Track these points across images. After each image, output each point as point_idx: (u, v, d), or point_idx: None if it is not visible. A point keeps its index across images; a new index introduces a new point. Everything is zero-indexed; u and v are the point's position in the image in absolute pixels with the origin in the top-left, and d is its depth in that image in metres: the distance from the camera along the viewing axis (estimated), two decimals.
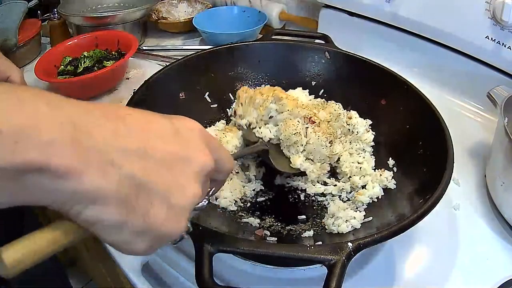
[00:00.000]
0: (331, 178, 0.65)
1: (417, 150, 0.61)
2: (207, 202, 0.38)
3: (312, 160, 0.63)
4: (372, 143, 0.69)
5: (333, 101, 0.75)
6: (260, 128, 0.65)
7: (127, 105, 0.61)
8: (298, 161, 0.62)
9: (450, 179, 0.51)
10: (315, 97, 0.77)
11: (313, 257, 0.41)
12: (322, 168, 0.63)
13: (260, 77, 0.79)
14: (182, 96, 0.72)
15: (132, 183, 0.30)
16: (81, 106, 0.30)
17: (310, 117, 0.64)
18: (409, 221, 0.45)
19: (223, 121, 0.74)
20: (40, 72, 0.85)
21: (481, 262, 0.57)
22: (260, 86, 0.78)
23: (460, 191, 0.67)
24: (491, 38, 0.75)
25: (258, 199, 0.61)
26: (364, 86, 0.73)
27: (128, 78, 0.98)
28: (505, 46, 0.74)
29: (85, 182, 0.27)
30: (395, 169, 0.64)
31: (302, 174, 0.63)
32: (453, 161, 0.53)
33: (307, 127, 0.63)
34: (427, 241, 0.59)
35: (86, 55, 0.94)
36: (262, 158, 0.65)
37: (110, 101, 0.90)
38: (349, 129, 0.69)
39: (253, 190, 0.62)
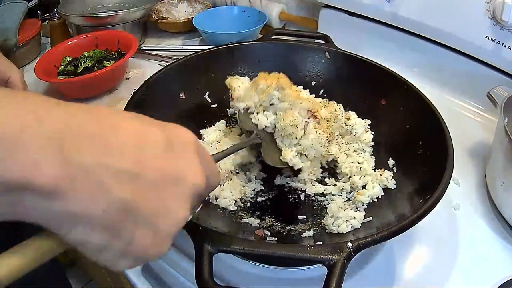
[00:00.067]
0: (331, 178, 0.65)
1: (417, 150, 0.61)
2: (190, 217, 0.38)
3: (306, 156, 0.61)
4: (372, 143, 0.68)
5: (334, 102, 0.75)
6: (257, 114, 0.63)
7: (127, 105, 0.61)
8: (289, 155, 0.60)
9: (450, 179, 0.51)
10: (315, 97, 0.77)
11: (313, 257, 0.41)
12: (313, 165, 0.62)
13: None
14: (182, 96, 0.72)
15: (119, 207, 0.29)
16: (71, 121, 0.28)
17: (313, 112, 0.63)
18: (409, 221, 0.45)
19: (223, 121, 0.74)
20: (40, 72, 0.85)
21: (481, 262, 0.57)
22: None
23: (460, 191, 0.67)
24: (491, 38, 0.75)
25: (258, 199, 0.61)
26: (364, 86, 0.73)
27: (128, 78, 0.98)
28: (505, 46, 0.74)
29: (72, 205, 0.27)
30: (395, 169, 0.64)
31: (297, 173, 0.63)
32: (453, 161, 0.53)
33: (308, 122, 0.62)
34: (427, 241, 0.59)
35: (86, 55, 0.94)
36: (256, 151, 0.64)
37: (110, 101, 0.90)
38: (347, 130, 0.69)
39: (253, 190, 0.62)
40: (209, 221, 0.53)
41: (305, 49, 0.78)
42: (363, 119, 0.71)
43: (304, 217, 0.59)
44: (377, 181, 0.62)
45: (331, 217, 0.57)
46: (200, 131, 0.71)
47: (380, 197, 0.60)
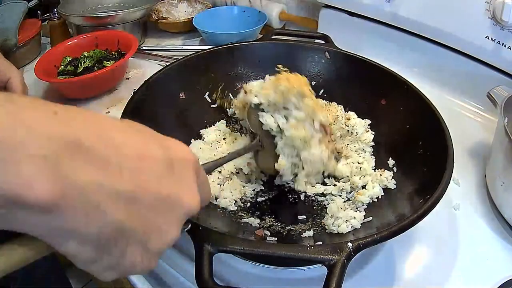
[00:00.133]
0: (331, 178, 0.65)
1: (417, 150, 0.61)
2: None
3: (303, 169, 0.60)
4: (372, 143, 0.68)
5: (334, 103, 0.75)
6: (267, 113, 0.60)
7: (127, 105, 0.61)
8: (283, 166, 0.59)
9: (450, 179, 0.51)
10: (316, 97, 0.77)
11: (313, 257, 0.41)
12: (309, 175, 0.61)
13: (260, 77, 0.78)
14: (182, 96, 0.72)
15: (113, 228, 0.29)
16: (68, 135, 0.26)
17: (325, 127, 0.61)
18: (409, 221, 0.45)
19: (223, 121, 0.74)
20: (40, 72, 0.85)
21: (481, 262, 0.57)
22: None
23: (460, 191, 0.67)
24: (491, 38, 0.75)
25: (258, 199, 0.61)
26: (364, 86, 0.73)
27: (128, 78, 0.98)
28: (505, 46, 0.74)
29: (65, 222, 0.26)
30: (395, 169, 0.64)
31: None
32: (453, 161, 0.53)
33: (319, 136, 0.60)
34: (427, 241, 0.59)
35: (86, 55, 0.94)
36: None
37: (110, 101, 0.90)
38: (348, 130, 0.69)
39: (253, 190, 0.62)
40: (209, 221, 0.53)
41: (305, 49, 0.78)
42: (363, 119, 0.71)
43: (304, 217, 0.59)
44: (377, 181, 0.62)
45: (331, 217, 0.57)
46: (200, 131, 0.71)
47: (380, 197, 0.60)
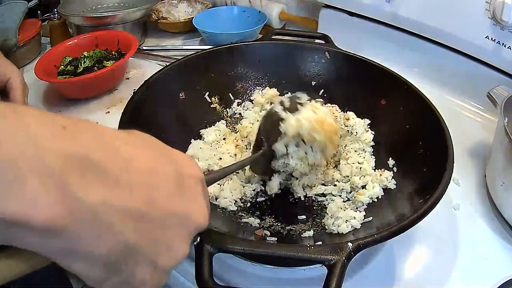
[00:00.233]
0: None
1: (417, 150, 0.61)
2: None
3: (297, 179, 0.62)
4: (372, 143, 0.69)
5: (329, 104, 0.75)
6: (281, 139, 0.58)
7: (127, 105, 0.61)
8: (273, 188, 0.61)
9: (450, 179, 0.51)
10: (315, 98, 0.77)
11: (313, 257, 0.41)
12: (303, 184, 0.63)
13: (260, 77, 0.79)
14: (182, 96, 0.72)
15: (123, 247, 0.28)
16: (77, 152, 0.25)
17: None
18: (409, 221, 0.45)
19: (223, 121, 0.74)
20: (40, 72, 0.85)
21: (481, 262, 0.57)
22: (260, 86, 0.78)
23: (460, 191, 0.67)
24: (491, 38, 0.75)
25: (258, 199, 0.61)
26: (364, 86, 0.73)
27: (128, 78, 0.98)
28: (505, 46, 0.74)
29: (73, 244, 0.26)
30: (395, 169, 0.64)
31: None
32: (453, 161, 0.53)
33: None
34: (427, 241, 0.59)
35: (86, 55, 0.94)
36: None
37: (110, 101, 0.90)
38: (348, 130, 0.69)
39: (253, 190, 0.62)
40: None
41: (305, 49, 0.78)
42: (362, 119, 0.71)
43: (304, 217, 0.59)
44: (377, 181, 0.62)
45: (331, 217, 0.57)
46: (200, 131, 0.71)
47: (380, 197, 0.60)
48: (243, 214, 0.59)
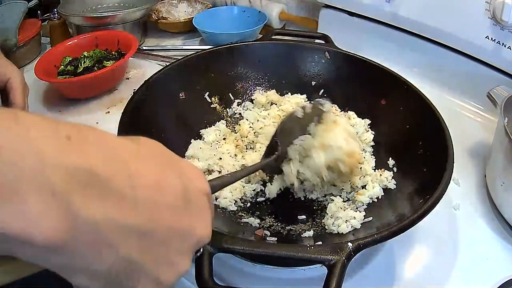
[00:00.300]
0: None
1: (417, 150, 0.61)
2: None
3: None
4: (372, 143, 0.69)
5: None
6: (294, 160, 0.58)
7: (127, 105, 0.61)
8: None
9: (450, 179, 0.51)
10: (315, 98, 0.77)
11: (313, 257, 0.41)
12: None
13: (260, 77, 0.79)
14: (182, 96, 0.72)
15: (125, 264, 0.28)
16: (83, 154, 0.25)
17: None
18: (409, 221, 0.45)
19: (223, 121, 0.74)
20: (40, 72, 0.85)
21: (481, 262, 0.57)
22: (260, 86, 0.78)
23: (460, 191, 0.67)
24: (491, 38, 0.75)
25: (258, 199, 0.61)
26: (364, 86, 0.73)
27: (128, 78, 0.98)
28: (505, 46, 0.74)
29: (74, 260, 0.25)
30: (395, 169, 0.64)
31: None
32: (453, 161, 0.53)
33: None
34: (427, 241, 0.59)
35: (86, 55, 0.94)
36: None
37: (110, 101, 0.90)
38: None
39: (253, 190, 0.62)
40: None
41: (305, 49, 0.78)
42: (363, 119, 0.71)
43: (304, 217, 0.59)
44: (377, 181, 0.62)
45: (331, 217, 0.57)
46: (200, 131, 0.71)
47: (380, 197, 0.60)
48: (243, 214, 0.59)
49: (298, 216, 0.59)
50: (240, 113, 0.76)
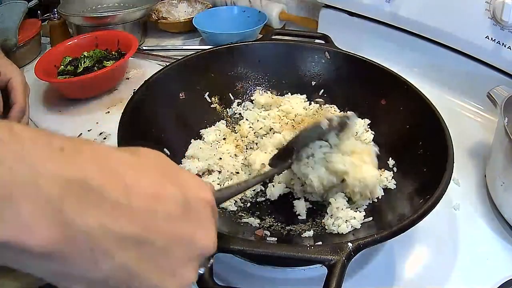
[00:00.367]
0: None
1: (417, 150, 0.61)
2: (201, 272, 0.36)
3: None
4: (372, 143, 0.68)
5: (327, 105, 0.75)
6: (311, 168, 0.58)
7: (127, 105, 0.61)
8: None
9: (450, 179, 0.51)
10: (315, 98, 0.77)
11: (313, 257, 0.41)
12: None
13: (260, 77, 0.79)
14: (182, 96, 0.72)
15: (123, 272, 0.27)
16: (75, 175, 0.25)
17: None
18: (409, 221, 0.45)
19: (223, 121, 0.74)
20: (40, 72, 0.85)
21: (481, 262, 0.57)
22: (260, 86, 0.78)
23: (460, 191, 0.67)
24: (491, 38, 0.75)
25: (258, 199, 0.61)
26: (364, 86, 0.73)
27: (128, 78, 0.98)
28: (505, 46, 0.74)
29: (71, 267, 0.25)
30: (395, 169, 0.64)
31: None
32: (453, 161, 0.53)
33: None
34: (427, 241, 0.59)
35: (86, 55, 0.94)
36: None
37: (110, 101, 0.90)
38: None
39: (253, 190, 0.62)
40: None
41: (305, 49, 0.78)
42: (362, 119, 0.71)
43: (304, 217, 0.59)
44: (377, 181, 0.62)
45: (331, 217, 0.57)
46: (200, 131, 0.71)
47: (380, 197, 0.60)
48: (243, 214, 0.59)
49: (298, 216, 0.59)
50: (240, 113, 0.76)
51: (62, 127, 0.81)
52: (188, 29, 1.14)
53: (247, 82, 0.78)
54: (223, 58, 0.76)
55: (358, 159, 0.58)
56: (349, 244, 0.41)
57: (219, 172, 0.64)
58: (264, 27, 1.07)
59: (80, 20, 1.05)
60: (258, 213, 0.59)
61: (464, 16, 0.77)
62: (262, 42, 0.80)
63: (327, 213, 0.58)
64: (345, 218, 0.56)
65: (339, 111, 0.74)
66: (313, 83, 0.78)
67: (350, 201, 0.60)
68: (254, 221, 0.57)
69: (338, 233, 0.55)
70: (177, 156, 0.66)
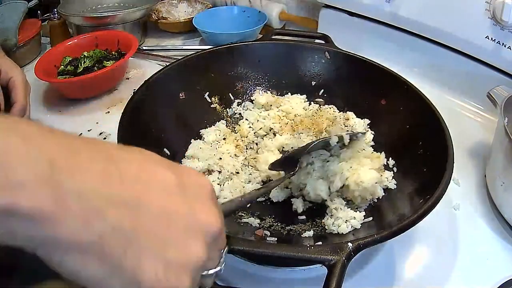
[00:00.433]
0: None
1: (417, 150, 0.61)
2: (223, 265, 0.34)
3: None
4: (372, 143, 0.68)
5: (326, 105, 0.75)
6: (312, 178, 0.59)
7: (127, 105, 0.61)
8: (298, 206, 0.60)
9: (450, 179, 0.51)
10: (315, 98, 0.77)
11: (313, 257, 0.41)
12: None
13: (260, 77, 0.79)
14: (182, 96, 0.72)
15: (119, 235, 0.26)
16: (64, 145, 0.26)
17: None
18: (409, 221, 0.45)
19: (223, 121, 0.74)
20: (40, 72, 0.85)
21: (481, 262, 0.57)
22: (260, 86, 0.78)
23: (460, 191, 0.67)
24: (491, 38, 0.75)
25: (258, 199, 0.61)
26: (364, 86, 0.73)
27: (128, 78, 0.98)
28: (505, 46, 0.74)
29: (61, 231, 0.24)
30: (395, 169, 0.64)
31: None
32: (453, 161, 0.53)
33: None
34: (427, 241, 0.59)
35: (86, 55, 0.94)
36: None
37: (110, 101, 0.90)
38: (347, 130, 0.69)
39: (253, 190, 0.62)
40: None
41: (305, 49, 0.78)
42: (362, 119, 0.71)
43: (304, 217, 0.59)
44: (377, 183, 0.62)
45: (331, 217, 0.57)
46: (200, 131, 0.71)
47: (380, 197, 0.60)
48: (243, 214, 0.59)
49: (298, 216, 0.59)
50: (240, 113, 0.76)
51: (62, 127, 0.78)
52: (188, 29, 1.14)
53: (247, 82, 0.78)
54: (223, 58, 0.76)
55: (356, 163, 0.58)
56: (349, 244, 0.41)
57: (219, 172, 0.64)
58: (264, 27, 1.07)
59: (80, 20, 1.05)
60: (258, 213, 0.59)
61: (464, 16, 0.77)
62: (262, 42, 0.80)
63: (327, 213, 0.58)
64: (345, 218, 0.56)
65: (338, 111, 0.74)
66: (313, 83, 0.78)
67: (350, 201, 0.61)
68: (254, 221, 0.57)
69: (338, 233, 0.55)
70: (177, 156, 0.66)
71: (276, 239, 0.54)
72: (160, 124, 0.65)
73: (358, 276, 0.54)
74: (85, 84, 0.87)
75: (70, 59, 0.94)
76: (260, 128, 0.72)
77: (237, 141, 0.70)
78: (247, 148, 0.70)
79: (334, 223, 0.56)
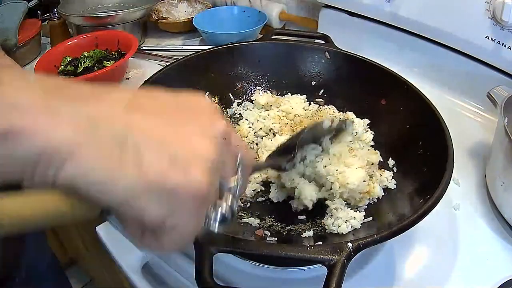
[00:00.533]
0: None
1: (417, 150, 0.61)
2: (240, 182, 0.33)
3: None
4: (372, 143, 0.68)
5: (326, 106, 0.75)
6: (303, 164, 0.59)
7: None
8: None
9: (450, 179, 0.51)
10: (315, 98, 0.77)
11: (313, 257, 0.41)
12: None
13: (260, 77, 0.79)
14: None
15: (113, 134, 0.26)
16: (51, 83, 0.29)
17: None
18: (409, 221, 0.45)
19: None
20: (40, 72, 0.85)
21: (481, 262, 0.57)
22: (260, 86, 0.78)
23: (460, 191, 0.67)
24: (491, 38, 0.75)
25: (258, 199, 0.61)
26: (364, 86, 0.73)
27: (128, 78, 0.98)
28: (505, 46, 0.74)
29: (55, 136, 0.25)
30: (395, 169, 0.64)
31: None
32: (453, 161, 0.53)
33: None
34: (427, 241, 0.59)
35: (86, 55, 0.94)
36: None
37: None
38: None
39: (253, 190, 0.62)
40: None
41: (305, 49, 0.78)
42: (362, 119, 0.71)
43: (304, 217, 0.59)
44: (377, 181, 0.62)
45: (331, 217, 0.57)
46: None
47: (380, 197, 0.60)
48: (243, 214, 0.59)
49: (298, 216, 0.59)
50: (240, 113, 0.76)
51: None
52: (188, 29, 1.14)
53: (247, 82, 0.78)
54: (223, 58, 0.76)
55: (343, 165, 0.58)
56: (349, 244, 0.41)
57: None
58: (264, 27, 1.07)
59: (80, 20, 1.05)
60: (258, 213, 0.59)
61: (464, 16, 0.77)
62: (262, 42, 0.80)
63: (327, 213, 0.58)
64: (345, 218, 0.56)
65: (338, 112, 0.74)
66: (313, 83, 0.78)
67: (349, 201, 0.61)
68: (254, 221, 0.57)
69: (338, 233, 0.55)
70: None
71: (276, 239, 0.54)
72: None
73: (358, 276, 0.54)
74: None
75: (70, 59, 0.94)
76: (260, 128, 0.72)
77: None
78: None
79: (334, 223, 0.56)
